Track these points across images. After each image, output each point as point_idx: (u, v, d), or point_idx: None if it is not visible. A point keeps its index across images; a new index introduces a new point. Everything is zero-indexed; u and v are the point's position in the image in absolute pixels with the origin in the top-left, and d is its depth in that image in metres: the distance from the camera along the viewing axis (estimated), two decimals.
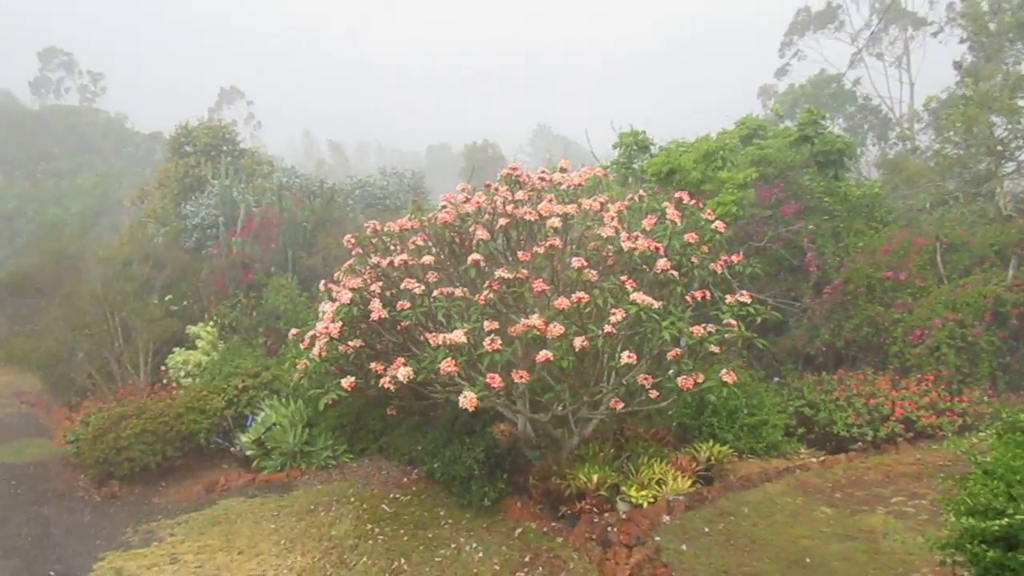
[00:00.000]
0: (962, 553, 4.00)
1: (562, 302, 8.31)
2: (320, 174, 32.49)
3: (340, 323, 9.29)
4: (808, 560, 7.47)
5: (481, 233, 9.42)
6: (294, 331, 10.71)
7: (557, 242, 8.98)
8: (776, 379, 14.01)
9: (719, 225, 10.43)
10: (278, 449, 12.07)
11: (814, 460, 11.06)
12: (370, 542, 9.04)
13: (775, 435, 11.65)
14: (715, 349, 8.91)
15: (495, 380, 8.05)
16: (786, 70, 41.55)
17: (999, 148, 22.45)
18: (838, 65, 38.71)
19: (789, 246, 14.93)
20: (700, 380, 8.60)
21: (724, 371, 8.73)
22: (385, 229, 10.52)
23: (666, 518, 8.55)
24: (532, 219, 9.29)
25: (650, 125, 16.65)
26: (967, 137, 22.38)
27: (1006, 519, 3.58)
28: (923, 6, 37.53)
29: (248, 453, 12.38)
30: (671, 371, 8.91)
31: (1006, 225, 16.41)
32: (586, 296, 8.30)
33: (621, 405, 9.09)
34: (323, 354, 9.30)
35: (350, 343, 9.53)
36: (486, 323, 8.38)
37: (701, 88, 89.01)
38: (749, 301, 9.21)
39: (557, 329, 8.08)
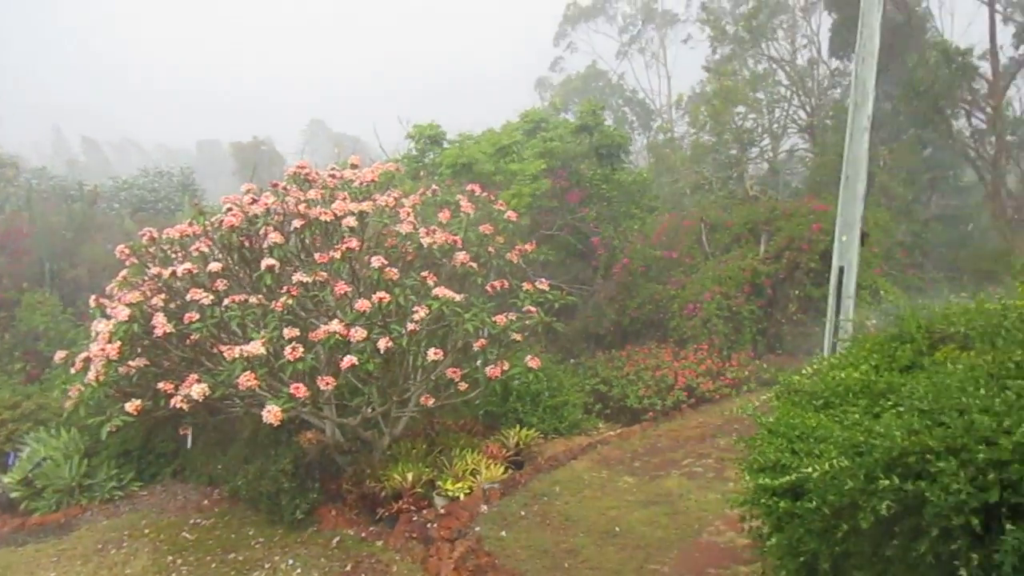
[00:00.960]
0: (757, 507, 4.45)
1: (363, 304, 8.14)
2: (74, 175, 29.25)
3: (119, 343, 8.42)
4: (617, 529, 7.95)
5: (274, 236, 8.96)
6: (61, 354, 9.54)
7: (354, 243, 8.77)
8: (572, 360, 14.74)
9: (512, 215, 10.76)
10: (51, 486, 10.73)
11: (612, 433, 11.78)
12: (173, 575, 8.34)
13: (576, 414, 12.26)
14: (517, 337, 9.20)
15: (299, 390, 7.72)
16: (560, 64, 43.60)
17: (744, 136, 25.18)
18: (607, 59, 41.28)
19: (576, 233, 15.74)
20: (506, 368, 8.83)
21: (528, 357, 9.04)
22: (164, 236, 9.67)
23: (484, 507, 8.69)
24: (327, 219, 8.99)
25: (438, 119, 16.76)
26: (716, 127, 24.86)
27: (793, 474, 4.02)
28: (678, 5, 40.84)
29: (13, 495, 10.89)
30: (478, 362, 9.06)
31: (754, 205, 18.45)
32: (388, 296, 8.20)
33: (432, 400, 9.10)
34: (101, 378, 8.39)
35: (132, 363, 8.68)
36: (286, 331, 7.99)
37: (487, 80, 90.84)
38: (547, 288, 9.59)
39: (359, 334, 7.90)
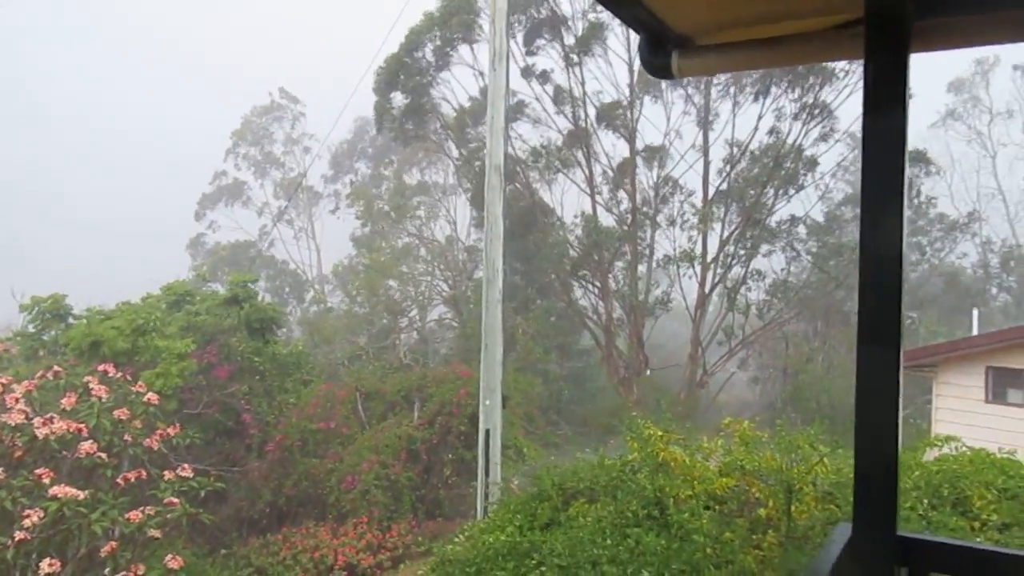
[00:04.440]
0: None
1: None
2: None
3: None
4: None
5: None
6: None
7: None
8: (223, 552, 13.38)
9: (152, 397, 9.83)
10: None
11: None
12: None
13: None
14: (156, 534, 8.18)
15: None
16: (202, 239, 42.27)
17: (395, 307, 26.44)
18: (252, 231, 40.96)
19: (226, 410, 14.80)
20: (141, 573, 7.74)
21: (169, 557, 8.05)
22: None
23: None
24: None
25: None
26: (369, 298, 25.86)
27: None
28: (321, 183, 42.44)
29: None
30: (107, 569, 7.81)
31: (408, 373, 19.19)
32: None
33: None
34: None
35: None
36: None
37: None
38: (191, 475, 8.77)
39: None
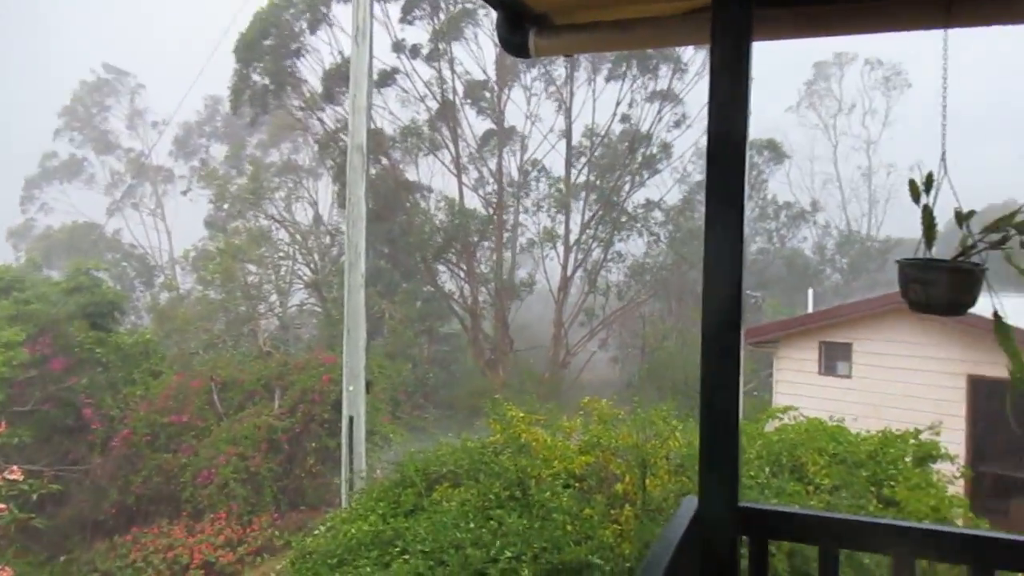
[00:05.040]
0: None
1: None
2: None
3: None
4: None
5: None
6: None
7: None
8: (63, 558, 12.43)
9: None
10: None
11: None
12: None
13: None
14: None
15: None
16: (30, 225, 38.89)
17: (254, 292, 25.40)
18: (93, 214, 37.97)
19: (63, 405, 13.70)
20: None
21: None
22: None
23: None
24: None
25: None
26: (225, 284, 24.70)
27: None
28: (172, 161, 39.67)
29: None
30: None
31: (268, 361, 18.50)
32: None
33: None
34: None
35: None
36: None
37: None
38: (21, 477, 8.05)
39: None
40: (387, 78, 23.47)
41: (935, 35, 2.08)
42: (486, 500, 4.83)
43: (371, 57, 10.72)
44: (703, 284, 2.05)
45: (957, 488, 6.72)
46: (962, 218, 2.02)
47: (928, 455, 6.04)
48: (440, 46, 23.33)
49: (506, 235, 25.50)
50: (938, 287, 1.98)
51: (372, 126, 21.37)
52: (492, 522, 4.48)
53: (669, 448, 5.07)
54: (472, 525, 4.45)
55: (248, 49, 22.70)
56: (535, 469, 5.10)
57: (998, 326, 1.90)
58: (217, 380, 16.59)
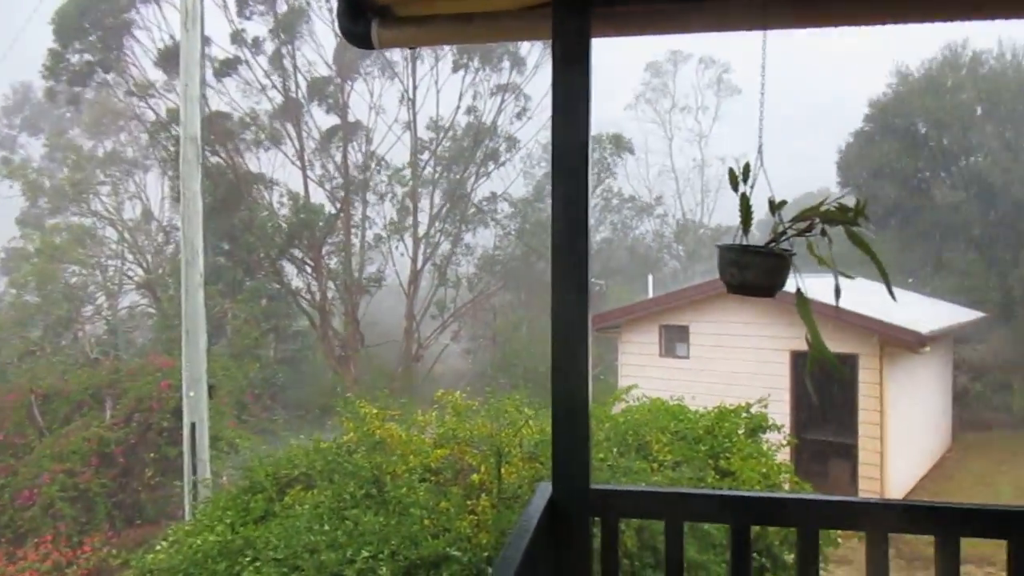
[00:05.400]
0: None
1: None
2: None
3: None
4: None
5: None
6: None
7: None
8: None
9: None
10: None
11: None
12: None
13: None
14: None
15: None
16: None
17: (77, 294, 23.43)
18: None
19: None
20: None
21: None
22: None
23: None
24: None
25: None
26: (43, 286, 22.64)
27: None
28: None
29: None
30: None
31: (96, 368, 17.15)
32: None
33: None
34: None
35: None
36: None
37: None
38: None
39: None
40: (227, 67, 22.33)
41: (758, 35, 2.23)
42: (341, 501, 4.72)
43: (203, 44, 10.15)
44: (551, 274, 2.10)
45: (784, 455, 7.31)
46: (775, 207, 2.19)
47: (758, 427, 6.53)
48: (281, 35, 22.47)
49: (354, 230, 25.01)
50: (751, 271, 2.13)
51: (209, 111, 20.27)
52: (348, 522, 4.39)
53: (523, 436, 5.16)
54: (327, 527, 4.34)
55: (65, 24, 20.82)
56: (391, 466, 5.04)
57: (799, 300, 2.10)
58: (37, 392, 15.16)
